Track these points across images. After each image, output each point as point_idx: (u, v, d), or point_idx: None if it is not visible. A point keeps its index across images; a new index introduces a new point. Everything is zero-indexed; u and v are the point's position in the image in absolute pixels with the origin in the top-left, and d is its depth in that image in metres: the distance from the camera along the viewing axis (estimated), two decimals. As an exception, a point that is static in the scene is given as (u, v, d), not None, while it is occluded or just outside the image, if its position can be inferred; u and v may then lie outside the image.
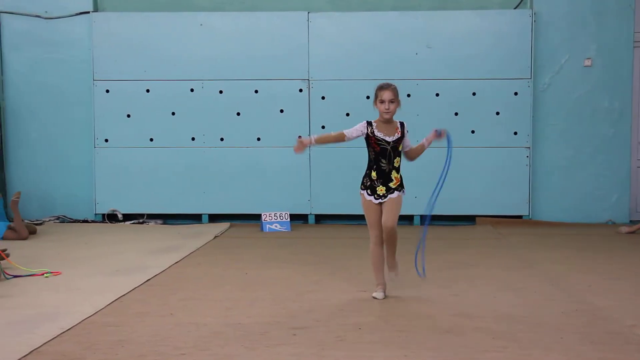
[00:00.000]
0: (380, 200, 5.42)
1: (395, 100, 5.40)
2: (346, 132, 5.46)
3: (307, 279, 6.25)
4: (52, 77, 10.32)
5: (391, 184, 5.42)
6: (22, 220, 8.70)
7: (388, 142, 5.39)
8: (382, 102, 5.40)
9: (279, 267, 6.79)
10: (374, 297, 5.45)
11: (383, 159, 5.40)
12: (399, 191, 5.46)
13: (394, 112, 5.43)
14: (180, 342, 4.34)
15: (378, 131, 5.41)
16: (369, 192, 5.44)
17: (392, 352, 4.16)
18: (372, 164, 5.45)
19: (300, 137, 5.45)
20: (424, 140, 5.50)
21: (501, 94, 9.95)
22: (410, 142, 5.55)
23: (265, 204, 9.97)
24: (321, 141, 5.49)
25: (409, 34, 9.97)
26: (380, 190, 5.41)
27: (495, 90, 9.95)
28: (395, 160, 5.42)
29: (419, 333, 4.54)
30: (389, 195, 5.42)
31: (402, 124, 5.49)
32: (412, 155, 5.58)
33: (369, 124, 5.45)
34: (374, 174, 5.44)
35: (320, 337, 4.46)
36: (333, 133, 5.55)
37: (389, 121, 5.44)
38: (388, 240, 5.44)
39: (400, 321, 4.82)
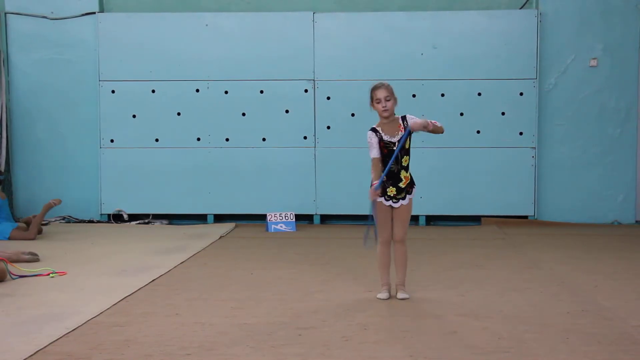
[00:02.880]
0: (390, 203, 5.41)
1: (391, 97, 5.38)
2: (372, 155, 5.37)
3: (312, 279, 6.25)
4: (58, 77, 10.34)
5: (401, 184, 5.39)
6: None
7: (394, 143, 5.36)
8: (379, 101, 5.38)
9: (285, 268, 6.79)
10: (379, 298, 5.44)
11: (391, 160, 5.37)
12: (410, 194, 5.45)
13: (391, 110, 5.40)
14: (185, 342, 4.35)
15: (384, 134, 5.37)
16: (380, 194, 5.42)
17: (398, 352, 4.15)
18: (382, 166, 5.41)
19: (371, 189, 5.34)
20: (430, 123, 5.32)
21: (507, 94, 9.93)
22: (417, 118, 5.37)
23: (271, 204, 9.97)
24: (376, 179, 5.34)
25: (414, 34, 9.96)
26: (391, 191, 5.39)
27: (500, 90, 9.93)
28: (403, 159, 5.40)
29: (424, 333, 4.53)
30: (400, 202, 5.41)
31: (403, 118, 5.41)
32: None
33: (374, 130, 5.40)
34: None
35: (325, 337, 4.46)
36: (373, 171, 5.38)
37: (390, 120, 5.41)
38: (397, 254, 5.47)
39: (406, 321, 4.82)
